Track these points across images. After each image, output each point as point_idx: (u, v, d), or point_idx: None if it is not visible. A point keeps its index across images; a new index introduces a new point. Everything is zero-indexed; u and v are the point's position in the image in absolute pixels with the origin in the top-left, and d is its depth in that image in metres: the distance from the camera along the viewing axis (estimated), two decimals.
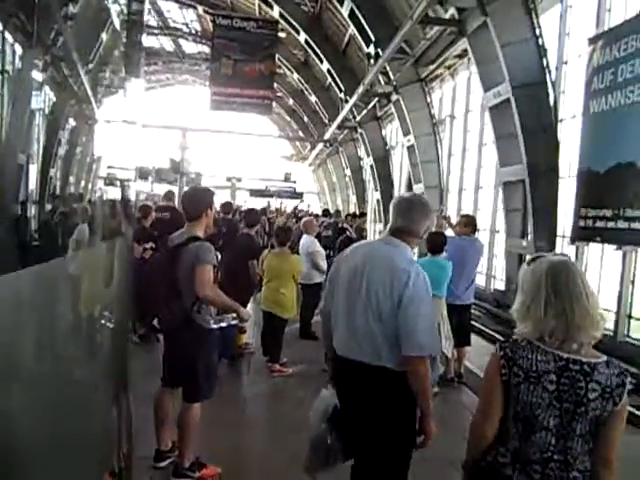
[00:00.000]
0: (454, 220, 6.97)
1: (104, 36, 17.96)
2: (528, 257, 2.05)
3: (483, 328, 9.40)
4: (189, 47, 28.23)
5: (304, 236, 7.43)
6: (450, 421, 4.19)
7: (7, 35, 12.07)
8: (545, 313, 1.84)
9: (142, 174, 21.34)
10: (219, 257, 3.61)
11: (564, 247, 8.70)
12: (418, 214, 2.61)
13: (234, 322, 3.72)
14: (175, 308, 3.40)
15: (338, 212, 13.93)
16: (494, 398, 1.90)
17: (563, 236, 8.87)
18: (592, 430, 1.83)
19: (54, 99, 16.81)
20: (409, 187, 14.81)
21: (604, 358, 1.86)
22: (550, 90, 8.82)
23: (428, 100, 14.04)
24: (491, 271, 11.93)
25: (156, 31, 25.97)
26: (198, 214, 3.53)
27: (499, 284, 11.39)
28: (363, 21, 13.30)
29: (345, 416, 2.61)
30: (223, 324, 3.64)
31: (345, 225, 10.86)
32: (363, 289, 2.52)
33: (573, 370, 1.82)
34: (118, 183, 21.83)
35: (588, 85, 7.19)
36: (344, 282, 2.62)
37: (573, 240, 7.68)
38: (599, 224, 6.89)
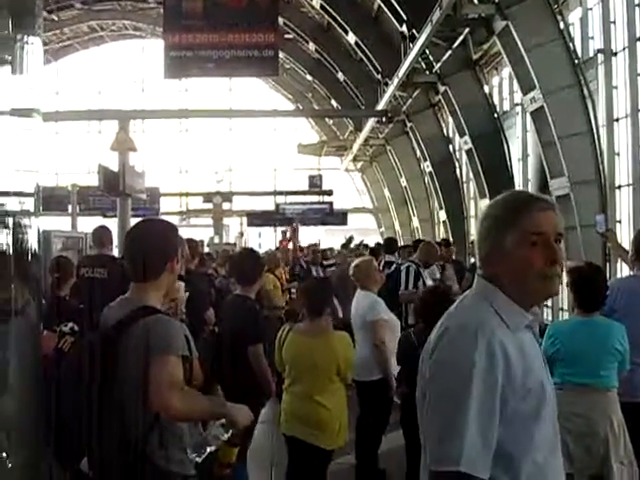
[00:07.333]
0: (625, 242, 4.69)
1: None
2: None
3: None
4: None
5: (358, 293, 4.46)
6: None
7: None
8: None
9: (53, 201, 14.97)
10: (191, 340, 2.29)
11: None
12: None
13: (225, 437, 2.37)
14: (115, 439, 2.20)
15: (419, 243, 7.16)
16: None
17: None
18: None
19: None
20: (542, 184, 9.27)
21: None
22: None
23: (562, 27, 8.26)
24: None
25: None
26: (154, 270, 2.29)
27: None
28: None
29: None
30: (210, 448, 2.30)
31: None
32: None
33: None
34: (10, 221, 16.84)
35: None
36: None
37: None
38: None
